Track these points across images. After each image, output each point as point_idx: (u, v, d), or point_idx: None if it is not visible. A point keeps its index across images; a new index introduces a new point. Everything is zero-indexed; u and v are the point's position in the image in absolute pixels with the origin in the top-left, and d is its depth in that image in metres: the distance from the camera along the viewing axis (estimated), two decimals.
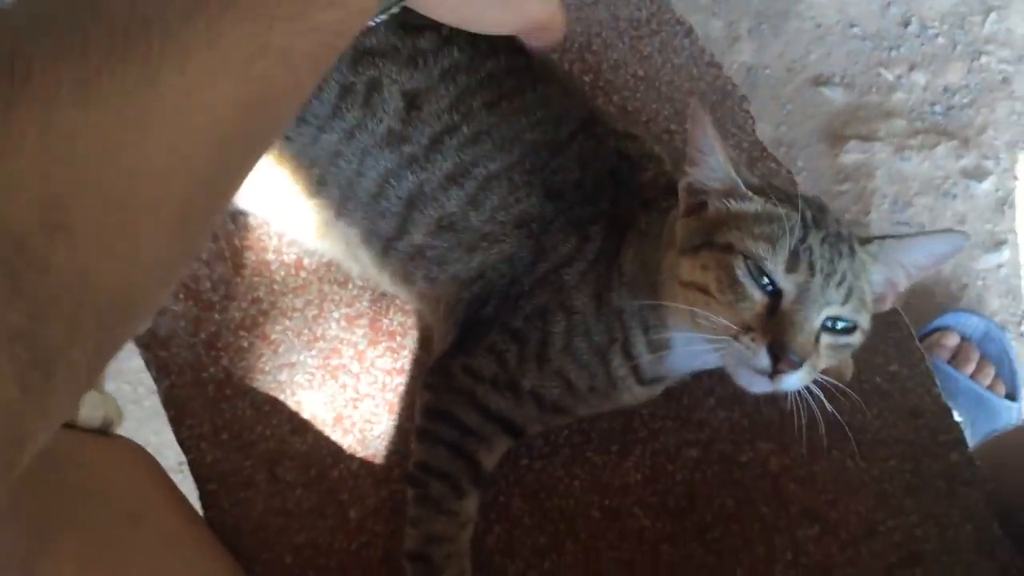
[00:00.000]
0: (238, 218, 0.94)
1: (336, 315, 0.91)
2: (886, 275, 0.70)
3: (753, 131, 0.97)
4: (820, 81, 1.88)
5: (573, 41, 1.02)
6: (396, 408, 0.87)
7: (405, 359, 0.89)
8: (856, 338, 0.69)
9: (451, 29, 0.77)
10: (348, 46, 0.51)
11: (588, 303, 0.77)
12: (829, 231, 0.67)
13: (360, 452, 0.86)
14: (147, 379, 0.95)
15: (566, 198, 0.79)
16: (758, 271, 0.66)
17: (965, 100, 1.86)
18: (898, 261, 0.69)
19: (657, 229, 0.76)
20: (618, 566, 0.81)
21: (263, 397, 0.88)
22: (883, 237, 0.70)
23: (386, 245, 0.81)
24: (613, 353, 0.76)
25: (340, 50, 0.50)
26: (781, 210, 0.67)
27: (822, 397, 0.68)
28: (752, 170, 0.94)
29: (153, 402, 0.90)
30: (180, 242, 0.44)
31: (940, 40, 1.91)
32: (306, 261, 0.93)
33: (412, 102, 0.77)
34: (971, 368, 1.53)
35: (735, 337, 0.66)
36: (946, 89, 1.87)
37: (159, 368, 0.89)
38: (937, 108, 1.86)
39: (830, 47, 1.91)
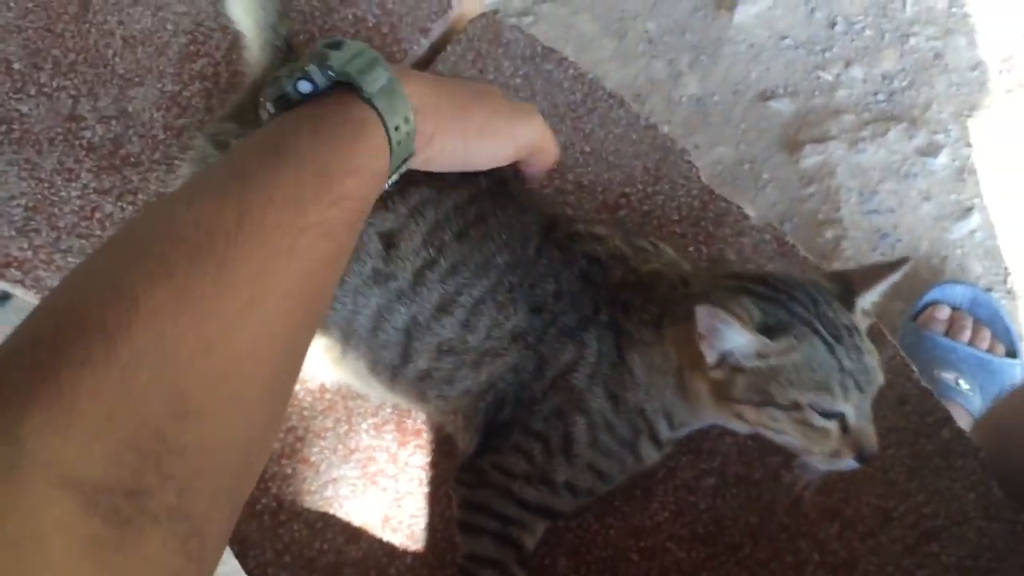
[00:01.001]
0: None
1: (364, 426, 1.00)
2: (866, 318, 0.81)
3: (699, 178, 1.06)
4: (766, 96, 1.99)
5: None
6: (436, 499, 0.95)
7: (435, 453, 0.98)
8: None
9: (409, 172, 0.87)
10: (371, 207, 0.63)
11: (604, 403, 0.84)
12: (842, 333, 0.76)
13: (412, 546, 0.93)
14: None
15: (549, 309, 0.85)
16: (824, 410, 0.76)
17: (904, 83, 1.95)
18: (874, 303, 0.81)
19: (651, 338, 0.82)
20: None
21: (315, 515, 0.96)
22: (854, 280, 0.81)
23: (394, 372, 0.89)
24: (641, 442, 0.84)
25: (367, 211, 0.62)
26: (809, 347, 0.75)
27: None
28: (705, 212, 1.04)
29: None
30: (276, 405, 0.55)
31: (868, 32, 2.02)
32: (328, 384, 1.02)
33: (389, 241, 0.86)
34: (967, 335, 1.60)
35: (829, 459, 0.78)
36: (884, 77, 1.97)
37: None
38: (880, 96, 1.95)
39: (767, 63, 2.01)
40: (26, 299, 1.16)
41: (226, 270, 0.49)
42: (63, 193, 1.13)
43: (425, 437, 0.98)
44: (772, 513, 0.91)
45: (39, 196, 1.13)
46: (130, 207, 1.12)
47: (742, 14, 2.06)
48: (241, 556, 0.95)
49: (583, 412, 0.84)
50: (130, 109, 1.17)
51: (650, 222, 1.05)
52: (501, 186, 0.92)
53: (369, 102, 0.63)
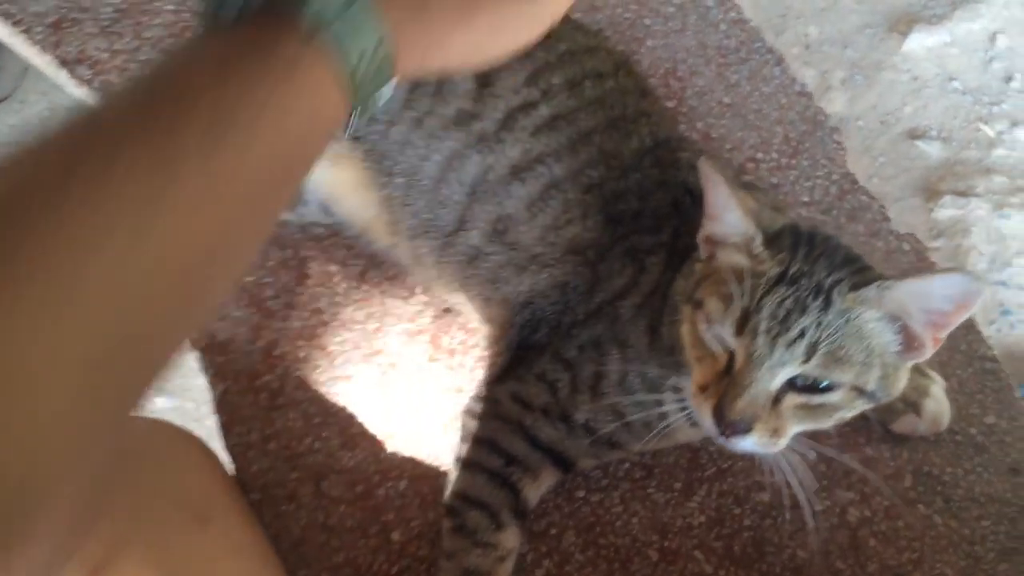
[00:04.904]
0: (307, 229, 0.93)
1: (397, 329, 0.89)
2: (891, 319, 0.61)
3: (844, 162, 0.92)
4: (916, 134, 1.81)
5: (658, 67, 1.00)
6: (451, 428, 0.84)
7: (463, 378, 0.86)
8: (839, 396, 0.62)
9: None
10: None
11: (642, 337, 0.73)
12: (802, 286, 0.61)
13: (410, 471, 0.82)
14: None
15: (626, 225, 0.75)
16: (712, 323, 0.63)
17: None
18: (902, 305, 0.61)
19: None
20: None
21: (316, 408, 0.85)
22: (887, 279, 0.61)
23: (445, 241, 0.80)
24: (666, 390, 0.72)
25: (301, 170, 0.47)
26: (763, 267, 0.62)
27: (798, 470, 0.65)
28: (841, 202, 0.90)
29: (215, 421, 0.89)
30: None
31: None
32: (371, 274, 0.91)
33: (484, 81, 0.76)
34: None
35: (694, 395, 0.64)
36: None
37: (215, 373, 0.87)
38: None
39: (927, 100, 1.84)
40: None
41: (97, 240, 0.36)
42: (157, 4, 1.05)
43: (458, 359, 0.87)
44: (825, 553, 0.77)
45: (133, 1, 1.05)
46: None
47: (914, 43, 1.89)
48: (226, 428, 0.85)
49: (620, 345, 0.73)
50: None
51: (775, 197, 0.91)
52: (625, 57, 0.81)
53: (315, 26, 0.46)
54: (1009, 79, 1.86)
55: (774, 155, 0.93)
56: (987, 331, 1.63)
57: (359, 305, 0.90)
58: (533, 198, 0.76)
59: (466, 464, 0.76)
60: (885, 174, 1.78)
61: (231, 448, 0.84)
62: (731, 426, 0.61)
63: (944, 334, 0.62)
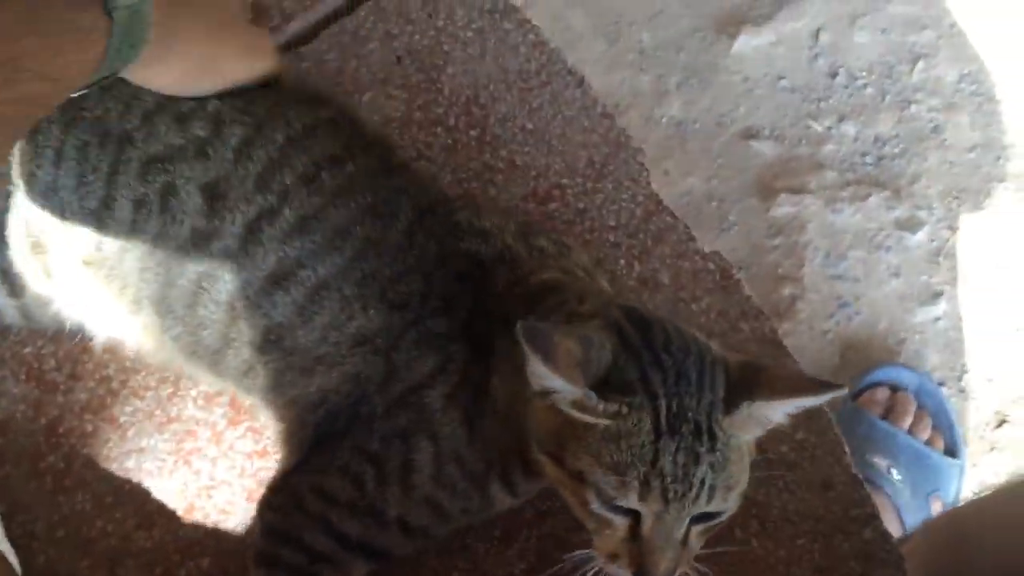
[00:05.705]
0: None
1: (194, 393, 0.83)
2: (760, 428, 0.63)
3: (648, 183, 0.92)
4: (750, 134, 1.85)
5: (460, 95, 0.97)
6: (256, 496, 0.79)
7: (268, 440, 0.81)
8: (726, 514, 0.63)
9: (218, 107, 0.71)
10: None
11: (458, 429, 0.69)
12: (683, 428, 0.59)
13: (213, 547, 0.77)
14: None
15: (413, 309, 0.70)
16: (608, 498, 0.61)
17: (896, 150, 1.83)
18: (768, 416, 0.62)
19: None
20: None
21: (107, 488, 0.79)
22: (762, 380, 0.61)
23: (214, 359, 0.73)
24: (491, 481, 0.69)
25: (38, 117, 0.59)
26: (631, 422, 0.59)
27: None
28: (647, 224, 0.89)
29: None
30: None
31: (869, 90, 1.90)
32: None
33: (213, 192, 0.70)
34: (908, 421, 1.47)
35: (605, 563, 0.63)
36: (876, 139, 1.85)
37: None
38: (868, 159, 1.83)
39: (758, 100, 1.88)
40: None
41: None
42: None
43: (262, 420, 0.82)
44: None
45: None
46: None
47: (743, 44, 1.93)
48: (7, 519, 0.78)
49: (431, 438, 0.68)
50: None
51: (582, 222, 0.90)
52: (356, 126, 0.75)
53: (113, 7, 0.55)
54: (834, 74, 1.91)
55: (579, 180, 0.92)
56: (826, 325, 1.67)
57: (151, 369, 0.84)
58: (302, 303, 0.70)
59: (267, 561, 0.71)
60: (723, 175, 1.81)
61: (16, 538, 0.78)
62: None
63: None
